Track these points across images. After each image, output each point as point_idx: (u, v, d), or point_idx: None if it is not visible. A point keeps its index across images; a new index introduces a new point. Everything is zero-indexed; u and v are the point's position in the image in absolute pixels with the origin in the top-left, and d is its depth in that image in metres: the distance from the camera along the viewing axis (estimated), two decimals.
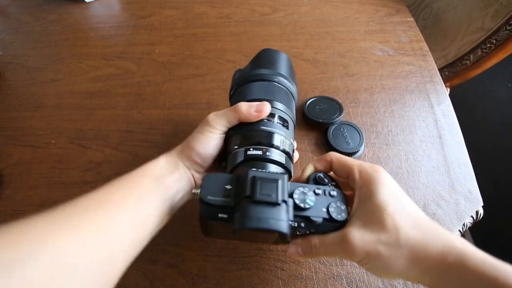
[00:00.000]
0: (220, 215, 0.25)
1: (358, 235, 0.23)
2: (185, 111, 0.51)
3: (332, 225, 0.26)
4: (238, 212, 0.24)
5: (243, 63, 0.58)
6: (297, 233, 0.27)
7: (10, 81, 0.58)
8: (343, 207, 0.26)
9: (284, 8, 0.68)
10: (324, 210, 0.26)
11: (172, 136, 0.48)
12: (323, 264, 0.37)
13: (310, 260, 0.37)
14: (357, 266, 0.36)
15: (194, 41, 0.62)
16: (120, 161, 0.46)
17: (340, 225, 0.26)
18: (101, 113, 0.52)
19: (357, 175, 0.27)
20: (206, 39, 0.63)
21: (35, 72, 0.59)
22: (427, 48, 0.59)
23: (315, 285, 0.36)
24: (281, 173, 0.27)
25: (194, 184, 0.31)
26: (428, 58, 0.58)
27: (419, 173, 0.44)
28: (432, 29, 0.75)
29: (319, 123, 0.47)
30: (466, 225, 0.40)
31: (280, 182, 0.25)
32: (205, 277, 0.36)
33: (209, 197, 0.25)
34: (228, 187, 0.26)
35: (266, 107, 0.31)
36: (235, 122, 0.31)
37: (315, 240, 0.26)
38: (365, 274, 0.36)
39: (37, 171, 0.46)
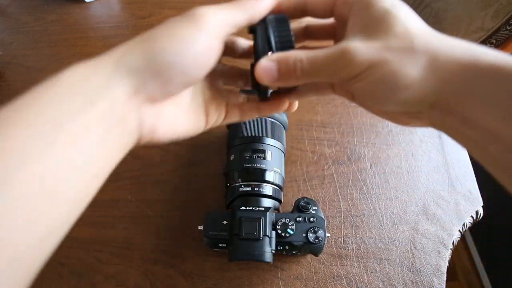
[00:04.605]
0: (220, 244, 0.32)
1: (360, 44, 0.18)
2: None
3: (311, 246, 0.32)
4: (230, 245, 0.31)
5: (244, 62, 0.58)
6: (284, 253, 0.33)
7: (10, 81, 0.58)
8: (320, 231, 0.32)
9: None
10: (304, 235, 0.32)
11: None
12: (323, 264, 0.37)
13: (310, 260, 0.37)
14: (357, 266, 0.36)
15: None
16: (120, 161, 0.46)
17: (319, 246, 0.32)
18: None
19: None
20: None
21: (35, 72, 0.59)
22: None
23: (315, 285, 0.36)
24: (265, 210, 0.32)
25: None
26: None
27: (419, 173, 0.44)
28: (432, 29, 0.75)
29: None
30: (466, 225, 0.40)
31: (262, 220, 0.31)
32: (205, 277, 0.36)
33: (210, 232, 0.32)
34: (225, 222, 0.32)
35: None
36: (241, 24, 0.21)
37: (300, 54, 0.19)
38: (365, 274, 0.36)
39: None
